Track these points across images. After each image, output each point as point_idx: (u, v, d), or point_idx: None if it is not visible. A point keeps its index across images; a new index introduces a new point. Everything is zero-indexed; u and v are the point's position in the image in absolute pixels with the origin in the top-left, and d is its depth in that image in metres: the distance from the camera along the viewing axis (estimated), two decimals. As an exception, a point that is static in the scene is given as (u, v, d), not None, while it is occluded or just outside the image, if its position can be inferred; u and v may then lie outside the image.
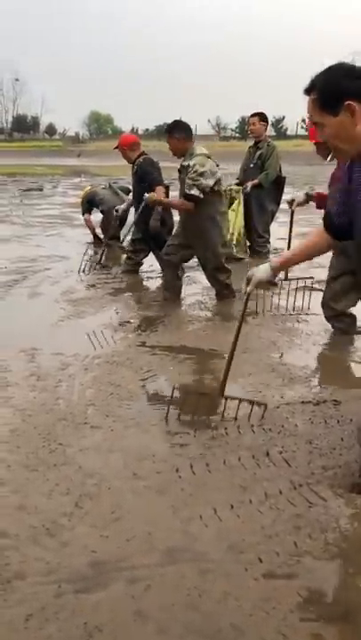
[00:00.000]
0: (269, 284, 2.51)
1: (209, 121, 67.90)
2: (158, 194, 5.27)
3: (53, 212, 11.16)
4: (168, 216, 5.70)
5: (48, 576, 1.76)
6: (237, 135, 60.11)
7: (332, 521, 2.03)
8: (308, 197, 4.23)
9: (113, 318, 4.53)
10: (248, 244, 6.86)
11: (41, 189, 16.89)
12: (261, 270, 2.47)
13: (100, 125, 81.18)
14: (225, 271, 4.84)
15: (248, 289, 2.54)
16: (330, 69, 1.92)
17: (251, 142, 6.97)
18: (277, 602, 1.66)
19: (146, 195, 5.09)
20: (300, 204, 4.39)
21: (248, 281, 2.53)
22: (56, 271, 6.12)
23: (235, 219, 6.54)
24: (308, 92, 1.95)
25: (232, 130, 66.27)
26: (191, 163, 4.46)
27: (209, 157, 4.55)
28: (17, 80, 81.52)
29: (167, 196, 5.60)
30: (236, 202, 6.59)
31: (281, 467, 2.36)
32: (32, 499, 2.15)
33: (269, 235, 6.93)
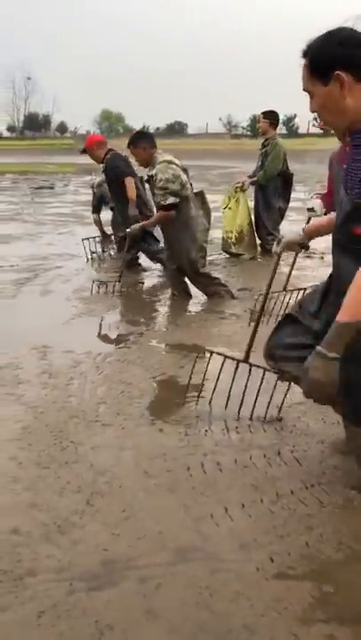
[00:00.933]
0: (300, 246, 2.49)
1: (220, 119, 67.82)
2: (129, 187, 5.39)
3: (65, 210, 11.19)
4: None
5: (60, 574, 1.76)
6: (248, 133, 59.91)
7: (344, 521, 2.02)
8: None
9: (124, 316, 4.54)
10: (259, 241, 6.86)
11: (52, 187, 16.96)
12: (293, 232, 2.49)
13: (111, 124, 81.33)
14: (204, 276, 4.80)
15: (278, 249, 2.53)
16: (326, 35, 1.76)
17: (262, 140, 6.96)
18: (289, 602, 1.65)
19: (128, 230, 5.09)
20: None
21: (279, 242, 2.53)
22: (67, 269, 6.14)
23: (232, 217, 6.54)
24: (304, 55, 1.81)
25: (243, 128, 66.10)
26: (154, 172, 4.47)
27: (171, 163, 4.52)
28: (29, 79, 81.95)
29: (143, 186, 5.64)
30: (234, 200, 6.57)
31: (292, 466, 2.35)
32: (44, 496, 2.16)
33: (279, 232, 6.91)
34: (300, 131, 54.28)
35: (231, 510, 2.07)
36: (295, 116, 55.56)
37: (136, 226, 5.01)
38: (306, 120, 55.39)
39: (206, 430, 2.67)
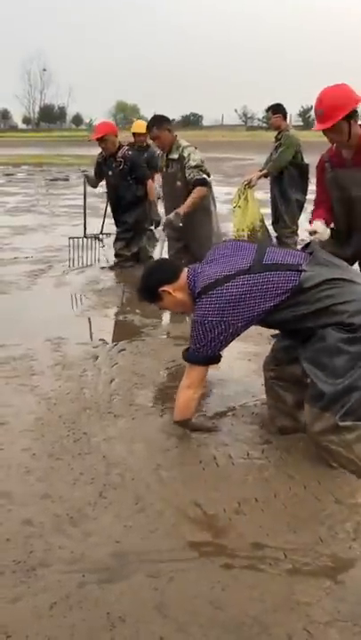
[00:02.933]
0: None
1: (236, 111, 67.37)
2: (152, 188, 5.41)
3: (79, 202, 11.16)
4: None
5: (72, 565, 1.76)
6: (264, 125, 59.50)
7: (358, 516, 2.00)
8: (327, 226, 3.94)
9: (137, 308, 4.53)
10: (275, 234, 6.78)
11: (67, 179, 16.97)
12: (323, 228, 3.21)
13: (126, 115, 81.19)
14: None
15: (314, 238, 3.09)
16: None
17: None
18: (302, 598, 1.64)
19: (167, 218, 4.57)
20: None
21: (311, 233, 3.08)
22: (81, 261, 6.14)
23: (242, 215, 6.46)
24: None
25: (259, 120, 65.60)
26: (185, 154, 4.41)
27: (196, 148, 4.53)
28: (44, 70, 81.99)
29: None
30: (243, 198, 6.49)
31: (306, 461, 2.33)
32: (56, 487, 2.16)
33: (297, 227, 6.84)
34: (317, 122, 53.85)
35: (244, 505, 2.06)
36: (311, 107, 55.06)
37: (170, 216, 4.47)
38: (322, 111, 54.85)
39: (219, 423, 2.65)
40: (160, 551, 1.83)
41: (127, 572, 1.74)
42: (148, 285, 2.55)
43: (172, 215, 4.42)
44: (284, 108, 6.62)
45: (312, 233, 3.82)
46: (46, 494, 2.12)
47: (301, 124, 51.95)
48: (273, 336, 3.62)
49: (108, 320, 4.28)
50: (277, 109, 6.52)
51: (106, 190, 6.11)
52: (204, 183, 4.40)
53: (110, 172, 5.81)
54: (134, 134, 7.04)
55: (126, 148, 5.76)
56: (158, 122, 4.52)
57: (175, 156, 4.47)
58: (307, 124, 50.54)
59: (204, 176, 4.40)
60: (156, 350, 3.58)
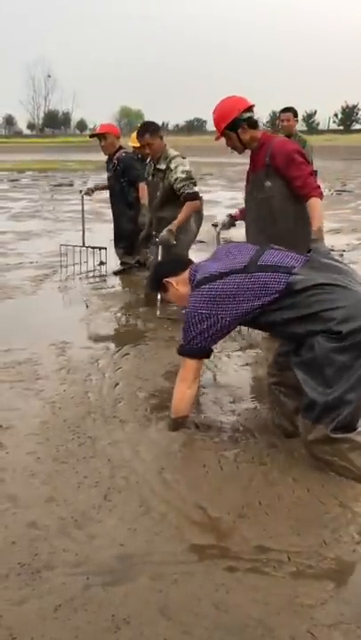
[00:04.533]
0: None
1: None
2: (144, 192, 5.17)
3: (85, 208, 11.22)
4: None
5: (76, 568, 1.77)
6: (268, 129, 59.57)
7: (363, 520, 2.00)
8: (233, 218, 3.94)
9: (141, 313, 4.54)
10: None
11: (71, 185, 17.03)
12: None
13: (130, 121, 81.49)
14: None
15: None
16: None
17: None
18: (306, 601, 1.64)
19: (161, 236, 4.41)
20: (225, 227, 4.05)
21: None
22: (85, 266, 6.15)
23: None
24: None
25: (263, 124, 65.76)
26: (173, 165, 4.35)
27: (184, 158, 4.48)
28: (49, 76, 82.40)
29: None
30: None
31: (309, 465, 2.33)
32: (61, 491, 2.17)
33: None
34: (321, 127, 53.80)
35: (248, 508, 2.06)
36: (315, 112, 55.10)
37: (165, 235, 4.34)
38: (326, 116, 54.90)
39: (223, 427, 2.66)
40: (164, 554, 1.84)
41: (131, 574, 1.75)
42: (156, 276, 2.75)
43: (165, 233, 4.31)
44: (297, 113, 6.65)
45: (214, 225, 4.05)
46: (51, 497, 2.13)
47: (306, 128, 51.97)
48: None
49: (111, 324, 4.29)
50: (294, 111, 6.52)
51: (109, 196, 6.11)
52: (196, 197, 4.35)
53: (108, 174, 5.88)
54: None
55: (123, 150, 5.76)
56: (151, 129, 4.46)
57: (162, 166, 4.43)
58: (310, 129, 50.57)
59: (196, 189, 4.36)
60: (160, 354, 3.59)
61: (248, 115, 3.29)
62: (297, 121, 6.57)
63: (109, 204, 6.10)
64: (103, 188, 6.21)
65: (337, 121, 53.15)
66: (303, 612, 1.60)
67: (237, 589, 1.69)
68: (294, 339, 2.34)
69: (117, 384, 3.15)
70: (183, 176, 4.31)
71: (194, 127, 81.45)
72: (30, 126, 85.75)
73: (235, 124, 3.26)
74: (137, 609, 1.62)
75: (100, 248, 6.11)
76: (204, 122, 78.84)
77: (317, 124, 56.10)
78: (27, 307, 4.79)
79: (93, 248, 6.09)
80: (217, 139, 3.42)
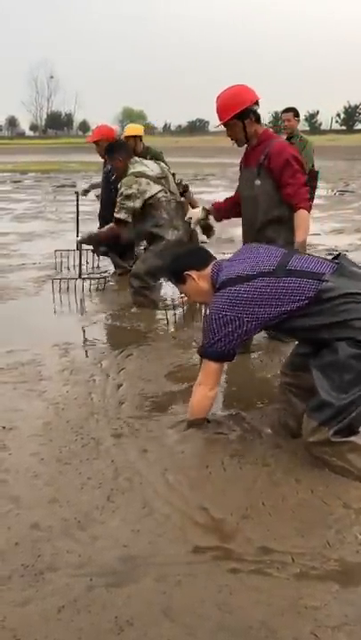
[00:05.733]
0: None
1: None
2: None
3: (86, 209, 11.18)
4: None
5: (80, 569, 1.77)
6: (271, 130, 59.49)
7: (367, 522, 1.99)
8: (207, 212, 3.92)
9: (144, 314, 4.54)
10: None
11: (74, 186, 17.05)
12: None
13: (132, 121, 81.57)
14: (143, 282, 4.60)
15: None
16: None
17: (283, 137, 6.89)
18: (310, 602, 1.64)
19: (78, 238, 5.02)
20: (199, 220, 4.02)
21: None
22: (88, 267, 6.16)
23: None
24: None
25: (266, 125, 65.57)
26: (119, 185, 4.46)
27: (141, 175, 4.46)
28: (52, 77, 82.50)
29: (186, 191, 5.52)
30: None
31: (313, 465, 2.33)
32: (64, 492, 2.17)
33: None
34: (323, 127, 53.69)
35: (251, 509, 2.06)
36: (318, 112, 55.01)
37: (85, 235, 4.99)
38: (329, 116, 54.83)
39: (227, 428, 2.65)
40: (168, 555, 1.83)
41: (135, 575, 1.74)
42: (176, 267, 2.62)
43: (86, 234, 4.93)
44: (299, 113, 6.67)
45: (188, 219, 4.01)
46: (54, 498, 2.13)
47: (308, 128, 51.87)
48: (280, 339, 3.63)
49: (114, 325, 4.29)
50: (296, 111, 6.55)
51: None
52: (117, 222, 4.50)
53: (101, 178, 5.94)
54: (126, 137, 7.03)
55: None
56: (109, 152, 4.62)
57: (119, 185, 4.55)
58: (313, 129, 50.45)
59: (121, 215, 4.44)
60: (163, 355, 3.59)
61: (256, 107, 3.27)
62: (298, 121, 6.59)
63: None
64: (99, 186, 6.23)
65: (339, 121, 53.04)
66: (307, 614, 1.60)
67: (241, 591, 1.68)
68: (317, 343, 2.32)
69: (121, 385, 3.15)
70: (119, 199, 4.46)
71: (196, 128, 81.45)
72: (33, 127, 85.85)
73: (245, 113, 3.22)
74: (140, 610, 1.61)
75: (93, 251, 6.09)
76: (207, 122, 78.86)
77: (320, 125, 55.97)
78: (29, 308, 4.79)
79: (87, 251, 6.06)
80: (222, 124, 3.30)
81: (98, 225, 6.02)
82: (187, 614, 1.60)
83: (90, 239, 4.97)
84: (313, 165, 6.59)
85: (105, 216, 5.73)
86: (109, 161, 4.67)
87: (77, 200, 5.99)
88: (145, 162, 4.69)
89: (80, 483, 2.23)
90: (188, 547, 1.87)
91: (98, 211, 6.22)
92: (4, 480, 2.26)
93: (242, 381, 3.23)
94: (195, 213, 3.92)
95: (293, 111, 6.54)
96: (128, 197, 4.40)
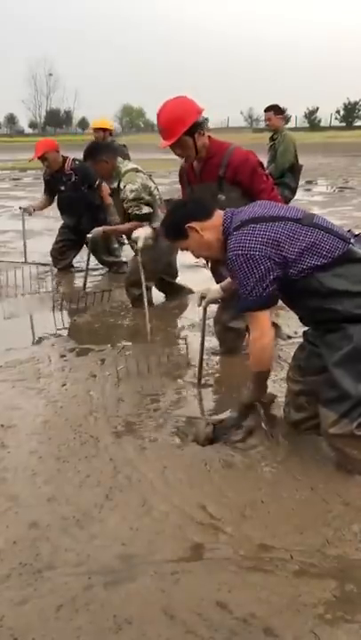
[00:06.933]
0: (221, 299, 3.00)
1: (241, 113, 67.28)
2: (106, 192, 5.09)
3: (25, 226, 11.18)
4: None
5: (78, 567, 1.77)
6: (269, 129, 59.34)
7: (366, 519, 1.99)
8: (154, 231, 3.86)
9: (143, 312, 4.52)
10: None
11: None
12: (213, 290, 2.91)
13: (132, 119, 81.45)
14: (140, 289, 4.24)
15: (203, 305, 2.98)
16: None
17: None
18: (309, 600, 1.63)
19: (89, 235, 4.64)
20: (147, 239, 3.95)
21: (202, 298, 2.96)
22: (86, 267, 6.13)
23: None
24: None
25: (266, 125, 65.46)
26: (122, 185, 4.23)
27: (138, 171, 4.31)
28: (50, 75, 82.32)
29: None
30: None
31: (312, 463, 2.32)
32: (63, 490, 2.17)
33: None
34: (323, 124, 53.49)
35: (250, 507, 2.05)
36: (317, 109, 54.76)
37: (99, 230, 4.57)
38: (328, 113, 54.68)
39: (226, 427, 2.64)
40: (166, 553, 1.83)
41: (133, 574, 1.74)
42: (175, 220, 2.37)
43: (95, 231, 4.53)
44: (281, 108, 6.67)
45: (135, 239, 3.88)
46: (53, 497, 2.13)
47: (307, 125, 51.67)
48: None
49: (113, 323, 4.28)
50: (278, 110, 6.53)
51: (59, 208, 5.98)
52: (144, 219, 4.18)
53: (63, 187, 5.73)
54: (95, 129, 7.07)
55: (71, 159, 5.68)
56: (92, 155, 4.29)
57: (115, 185, 4.33)
58: (312, 126, 50.25)
59: (144, 209, 4.18)
60: (162, 352, 3.58)
61: (202, 118, 3.04)
62: (284, 118, 6.56)
63: (58, 218, 6.08)
64: (42, 208, 6.17)
65: (339, 117, 52.89)
66: (306, 611, 1.60)
67: (240, 588, 1.68)
68: (325, 321, 2.18)
69: (119, 383, 3.14)
70: (131, 196, 4.17)
71: (196, 124, 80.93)
72: (32, 125, 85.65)
73: (194, 128, 2.96)
74: (139, 609, 1.61)
75: (44, 264, 6.14)
76: (206, 119, 78.39)
77: (319, 121, 55.77)
78: (28, 306, 4.78)
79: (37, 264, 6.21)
80: (168, 145, 3.01)
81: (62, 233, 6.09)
82: (186, 612, 1.59)
83: (105, 235, 4.65)
84: (297, 160, 6.56)
85: (78, 212, 5.72)
86: (93, 164, 4.35)
87: (23, 217, 6.16)
88: (127, 161, 4.53)
89: (79, 481, 2.22)
90: (187, 545, 1.87)
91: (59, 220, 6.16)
92: (2, 478, 2.25)
93: (242, 381, 3.21)
94: (141, 233, 3.83)
95: (274, 109, 6.51)
96: (139, 191, 4.21)
